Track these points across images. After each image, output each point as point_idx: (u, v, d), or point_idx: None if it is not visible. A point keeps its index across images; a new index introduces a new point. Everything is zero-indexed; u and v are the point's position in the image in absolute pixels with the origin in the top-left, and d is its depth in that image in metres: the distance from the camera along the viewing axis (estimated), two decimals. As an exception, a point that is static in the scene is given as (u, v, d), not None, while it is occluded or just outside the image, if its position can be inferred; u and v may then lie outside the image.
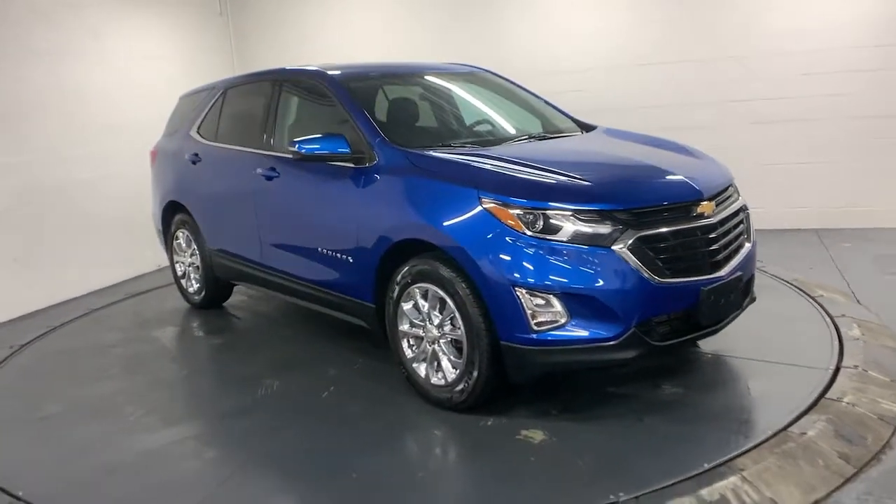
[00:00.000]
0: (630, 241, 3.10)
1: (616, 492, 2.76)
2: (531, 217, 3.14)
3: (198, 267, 5.55)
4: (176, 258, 5.81)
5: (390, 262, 3.71)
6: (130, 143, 7.01)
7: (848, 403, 3.32)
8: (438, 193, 3.42)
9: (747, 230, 3.71)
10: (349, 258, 3.93)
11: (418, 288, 3.55)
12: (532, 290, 3.10)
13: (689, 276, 3.23)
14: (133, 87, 7.25)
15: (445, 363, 3.50)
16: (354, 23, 8.42)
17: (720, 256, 3.37)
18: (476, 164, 3.48)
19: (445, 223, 3.33)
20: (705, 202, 3.36)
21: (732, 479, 2.80)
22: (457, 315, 3.36)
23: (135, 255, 7.22)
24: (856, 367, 3.68)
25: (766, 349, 3.96)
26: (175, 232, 5.72)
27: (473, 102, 4.71)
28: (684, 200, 3.31)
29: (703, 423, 3.28)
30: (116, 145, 7.00)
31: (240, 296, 5.86)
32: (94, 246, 6.76)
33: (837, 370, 3.66)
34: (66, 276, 6.43)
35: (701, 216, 3.33)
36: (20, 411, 4.01)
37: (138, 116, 7.16)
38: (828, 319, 4.38)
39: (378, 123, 3.96)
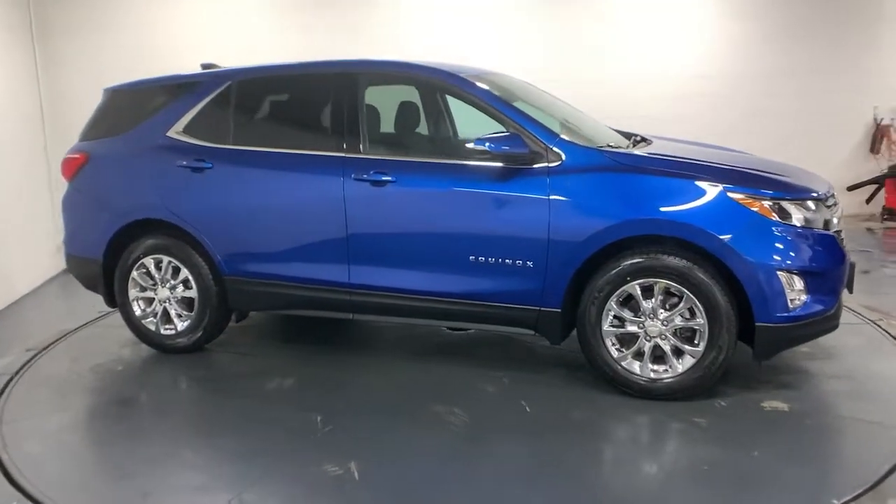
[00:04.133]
0: (836, 224, 3.66)
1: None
2: (774, 207, 3.49)
3: (187, 301, 4.48)
4: (137, 294, 4.56)
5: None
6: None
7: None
8: (678, 190, 3.55)
9: None
10: (528, 263, 3.74)
11: (639, 283, 3.59)
12: (788, 271, 3.45)
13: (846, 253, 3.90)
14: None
15: (672, 355, 3.61)
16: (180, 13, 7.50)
17: None
18: (709, 162, 3.70)
19: (697, 217, 3.47)
20: None
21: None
22: (697, 304, 3.51)
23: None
24: (881, 319, 4.79)
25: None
26: (140, 260, 4.50)
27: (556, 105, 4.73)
28: (832, 192, 3.99)
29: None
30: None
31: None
32: None
33: (876, 322, 4.72)
34: None
35: (836, 205, 4.03)
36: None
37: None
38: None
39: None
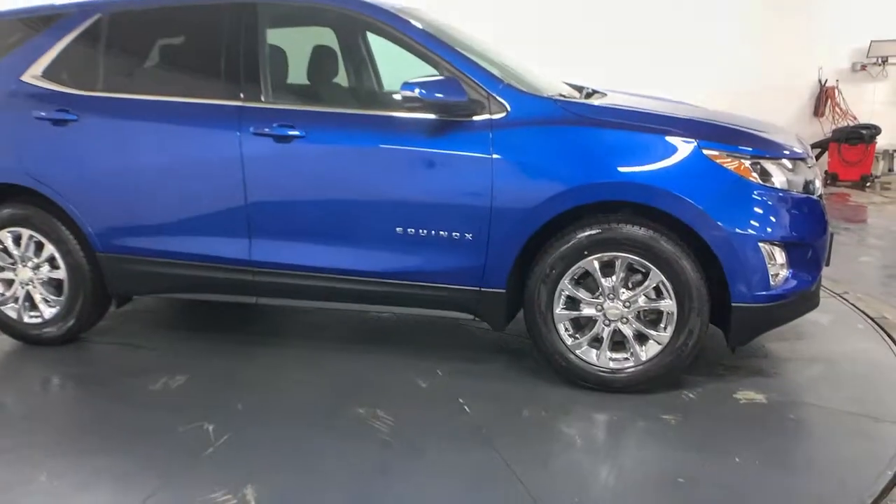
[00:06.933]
0: (818, 188, 3.17)
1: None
2: (755, 167, 2.97)
3: (56, 283, 3.70)
4: (-6, 275, 3.76)
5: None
6: None
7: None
8: (646, 146, 2.97)
9: None
10: (467, 235, 3.12)
11: (597, 259, 3.02)
12: (770, 242, 2.95)
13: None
14: None
15: (636, 342, 3.07)
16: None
17: None
18: (679, 115, 3.13)
19: (668, 179, 2.91)
20: None
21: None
22: (665, 282, 2.98)
23: None
24: (846, 292, 4.40)
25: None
26: (-7, 234, 3.69)
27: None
28: (810, 150, 3.50)
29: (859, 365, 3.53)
30: None
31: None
32: None
33: (842, 296, 4.32)
34: None
35: (815, 166, 3.54)
36: None
37: None
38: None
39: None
